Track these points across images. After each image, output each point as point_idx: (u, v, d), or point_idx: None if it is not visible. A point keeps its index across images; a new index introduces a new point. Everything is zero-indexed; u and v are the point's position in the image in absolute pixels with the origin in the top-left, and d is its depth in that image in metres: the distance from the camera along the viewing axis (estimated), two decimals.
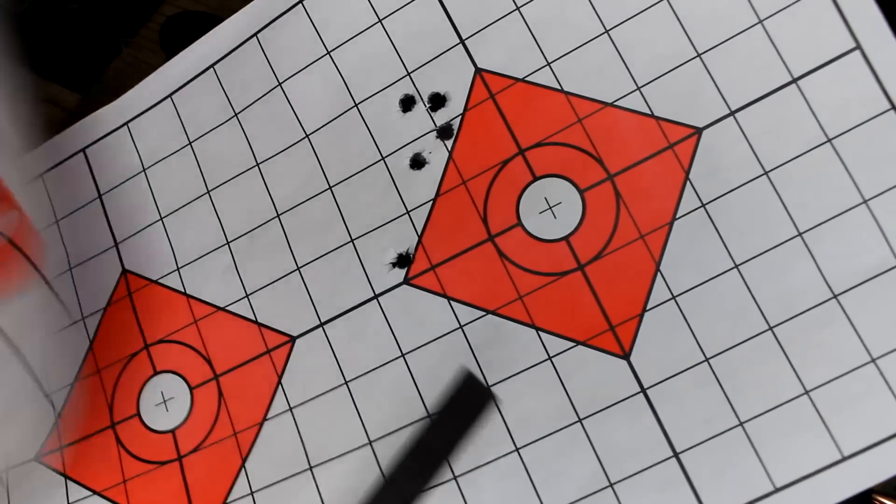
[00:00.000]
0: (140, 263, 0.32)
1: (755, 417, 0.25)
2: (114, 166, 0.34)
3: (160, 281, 0.32)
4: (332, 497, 0.28)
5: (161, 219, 0.32)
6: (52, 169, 0.35)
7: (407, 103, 0.30)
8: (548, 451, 0.26)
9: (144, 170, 0.33)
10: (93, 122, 0.35)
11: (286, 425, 0.29)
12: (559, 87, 0.28)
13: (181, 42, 0.34)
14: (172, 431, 0.30)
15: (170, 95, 0.33)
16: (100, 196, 0.34)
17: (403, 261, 0.29)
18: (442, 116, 0.29)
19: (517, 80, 0.29)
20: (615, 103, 0.28)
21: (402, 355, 0.28)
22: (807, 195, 0.25)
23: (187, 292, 0.31)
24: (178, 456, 0.30)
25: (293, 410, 0.29)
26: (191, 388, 0.30)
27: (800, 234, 0.25)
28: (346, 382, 0.29)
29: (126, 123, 0.34)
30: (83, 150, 0.34)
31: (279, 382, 0.30)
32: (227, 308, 0.31)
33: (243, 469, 0.29)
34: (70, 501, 0.31)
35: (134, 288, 0.32)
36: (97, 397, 0.31)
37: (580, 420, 0.26)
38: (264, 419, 0.29)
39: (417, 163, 0.29)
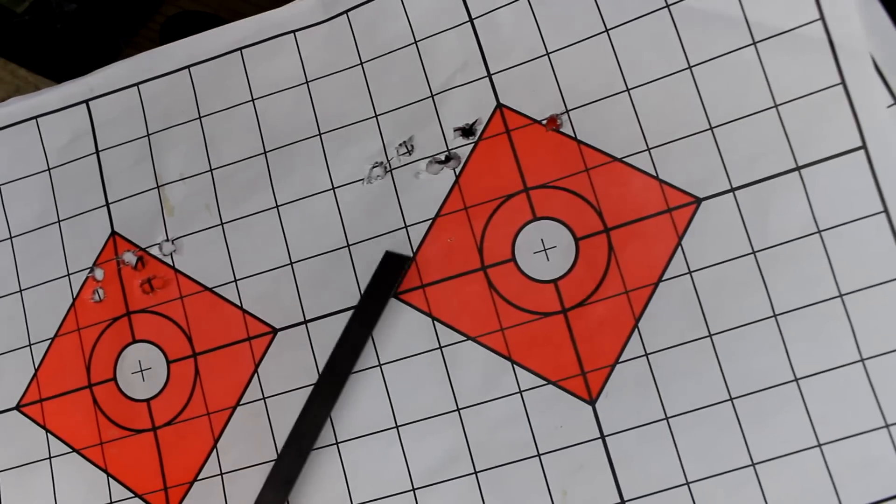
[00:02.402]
0: (130, 229, 0.32)
1: (701, 479, 0.27)
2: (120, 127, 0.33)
3: (149, 251, 0.32)
4: (298, 487, 0.29)
5: (158, 188, 0.32)
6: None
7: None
8: (505, 480, 0.28)
9: (149, 135, 0.33)
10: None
11: (258, 413, 0.30)
12: (573, 135, 0.29)
13: None
14: (148, 401, 0.31)
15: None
16: (97, 153, 0.33)
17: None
18: (457, 142, 0.30)
19: (534, 121, 0.29)
20: (624, 159, 0.28)
21: (380, 365, 0.29)
22: (787, 280, 0.27)
23: (176, 267, 0.32)
24: (153, 426, 0.31)
25: (266, 400, 0.30)
26: (168, 362, 0.31)
27: (774, 316, 0.27)
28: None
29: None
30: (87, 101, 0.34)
31: (255, 371, 0.30)
32: (214, 289, 0.31)
33: (215, 449, 0.30)
34: (52, 455, 0.32)
35: (122, 251, 0.32)
36: (75, 355, 0.32)
37: (539, 455, 0.28)
38: (238, 404, 0.30)
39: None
